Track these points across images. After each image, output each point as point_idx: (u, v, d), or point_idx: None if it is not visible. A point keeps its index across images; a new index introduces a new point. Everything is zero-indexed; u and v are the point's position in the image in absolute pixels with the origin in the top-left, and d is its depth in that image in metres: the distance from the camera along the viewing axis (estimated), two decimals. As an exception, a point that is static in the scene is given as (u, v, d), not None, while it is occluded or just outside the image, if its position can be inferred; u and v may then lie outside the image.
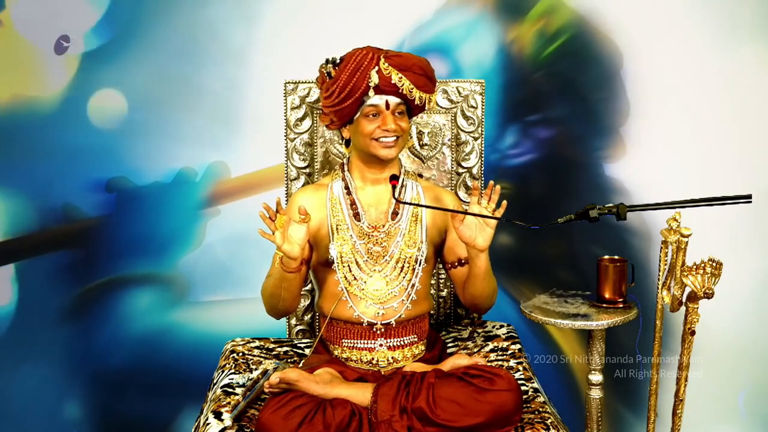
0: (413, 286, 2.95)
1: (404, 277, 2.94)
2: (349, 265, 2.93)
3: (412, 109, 2.94)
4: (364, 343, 2.93)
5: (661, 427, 3.47)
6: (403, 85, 2.85)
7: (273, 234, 2.67)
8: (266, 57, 3.68)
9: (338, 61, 2.90)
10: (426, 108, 2.94)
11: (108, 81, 3.68)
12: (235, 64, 3.70)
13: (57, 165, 3.71)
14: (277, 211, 2.67)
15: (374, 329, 2.93)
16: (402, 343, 2.95)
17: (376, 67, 2.83)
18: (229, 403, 2.80)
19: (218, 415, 2.74)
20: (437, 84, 3.03)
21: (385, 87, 2.85)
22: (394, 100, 2.88)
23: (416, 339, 2.99)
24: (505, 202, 2.77)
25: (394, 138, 2.88)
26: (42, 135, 3.70)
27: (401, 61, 2.87)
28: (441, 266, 3.33)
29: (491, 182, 2.79)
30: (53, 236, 3.78)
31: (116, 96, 3.72)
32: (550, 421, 2.74)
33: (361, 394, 2.75)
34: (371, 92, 2.84)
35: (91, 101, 3.71)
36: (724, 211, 3.15)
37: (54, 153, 3.71)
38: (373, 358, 2.94)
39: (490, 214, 2.74)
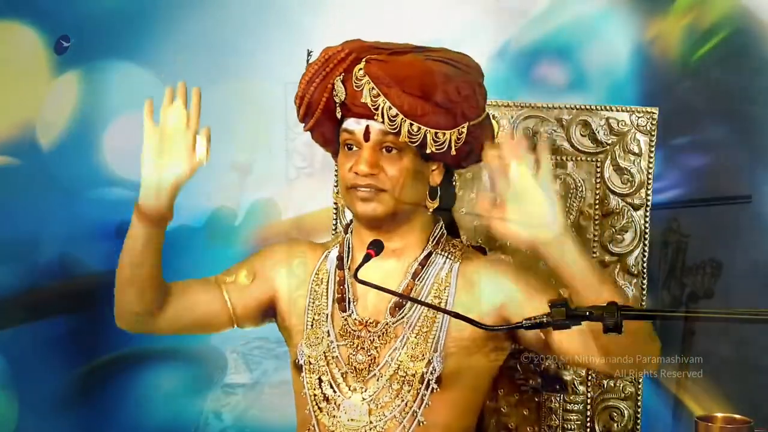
0: (417, 422, 2.10)
1: (400, 404, 2.11)
2: (320, 378, 2.16)
3: (423, 147, 2.09)
4: None
5: (665, 429, 3.75)
6: (380, 107, 2.06)
7: None
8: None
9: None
10: (461, 156, 2.13)
11: (115, 101, 3.57)
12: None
13: (51, 204, 3.54)
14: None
15: None
16: None
17: (343, 75, 2.11)
18: None
19: None
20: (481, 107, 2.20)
21: (356, 106, 2.11)
22: (376, 126, 2.10)
23: None
24: None
25: (372, 188, 2.09)
26: (33, 168, 3.57)
27: (386, 69, 2.07)
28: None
29: None
30: (46, 297, 3.59)
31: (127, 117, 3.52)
32: None
33: None
34: (338, 111, 2.14)
35: (99, 126, 3.58)
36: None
37: (48, 189, 3.55)
38: None
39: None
